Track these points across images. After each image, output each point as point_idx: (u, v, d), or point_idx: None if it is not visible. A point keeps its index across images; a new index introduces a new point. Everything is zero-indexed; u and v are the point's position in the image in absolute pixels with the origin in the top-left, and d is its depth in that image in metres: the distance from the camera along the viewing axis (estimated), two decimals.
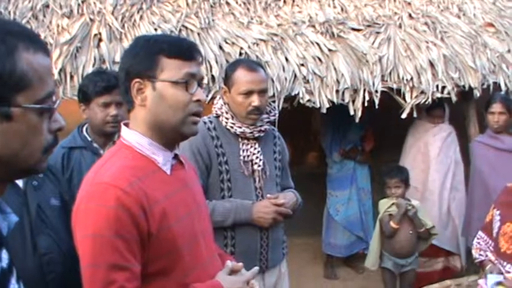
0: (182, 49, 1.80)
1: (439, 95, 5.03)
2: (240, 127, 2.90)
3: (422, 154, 5.43)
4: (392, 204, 4.65)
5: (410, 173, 4.91)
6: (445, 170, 5.31)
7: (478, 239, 3.49)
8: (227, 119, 2.92)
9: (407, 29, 5.51)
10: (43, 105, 1.11)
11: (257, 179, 2.93)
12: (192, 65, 1.80)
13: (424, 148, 5.42)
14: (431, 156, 5.35)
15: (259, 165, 2.93)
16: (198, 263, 1.83)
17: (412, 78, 4.99)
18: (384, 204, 4.74)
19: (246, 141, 2.94)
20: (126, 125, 1.86)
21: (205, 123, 2.95)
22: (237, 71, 2.88)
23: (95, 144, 3.21)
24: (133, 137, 1.80)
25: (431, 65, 5.14)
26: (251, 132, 2.91)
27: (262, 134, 2.98)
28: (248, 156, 2.92)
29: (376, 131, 6.00)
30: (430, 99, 4.99)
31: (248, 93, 2.84)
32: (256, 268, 2.05)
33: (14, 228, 1.20)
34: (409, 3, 6.03)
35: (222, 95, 3.02)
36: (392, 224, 4.58)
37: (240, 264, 2.02)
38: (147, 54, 1.78)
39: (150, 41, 1.82)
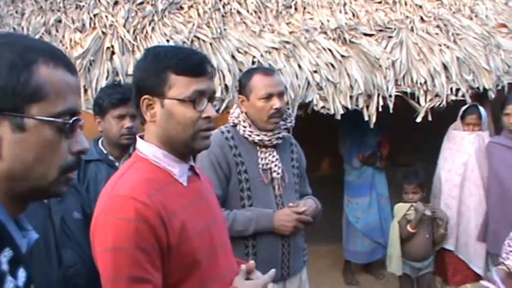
0: (191, 66, 1.75)
1: (453, 97, 5.00)
2: (258, 135, 2.90)
3: (459, 165, 4.87)
4: (411, 207, 4.61)
5: (444, 187, 4.83)
6: (484, 184, 4.77)
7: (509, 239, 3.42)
8: (245, 127, 2.93)
9: (420, 33, 5.49)
10: (58, 119, 1.10)
11: (276, 187, 2.93)
12: (201, 82, 1.76)
13: (461, 158, 4.88)
14: (469, 167, 4.83)
15: (278, 173, 2.93)
16: (216, 275, 1.82)
17: (425, 82, 4.97)
18: (400, 208, 4.70)
19: (264, 149, 2.94)
20: (142, 137, 1.85)
21: (222, 132, 2.95)
22: (254, 78, 2.90)
23: (111, 157, 3.22)
24: (149, 149, 1.79)
25: (445, 67, 5.10)
26: (269, 140, 2.91)
27: (280, 142, 2.98)
28: (267, 164, 2.92)
29: (392, 135, 5.94)
30: (444, 102, 4.95)
31: (268, 97, 2.85)
32: (273, 271, 1.99)
33: (38, 242, 1.19)
34: (421, 7, 6.01)
35: (238, 104, 3.03)
36: (409, 228, 4.56)
37: (252, 262, 1.99)
38: (156, 70, 1.75)
39: (160, 56, 1.77)
